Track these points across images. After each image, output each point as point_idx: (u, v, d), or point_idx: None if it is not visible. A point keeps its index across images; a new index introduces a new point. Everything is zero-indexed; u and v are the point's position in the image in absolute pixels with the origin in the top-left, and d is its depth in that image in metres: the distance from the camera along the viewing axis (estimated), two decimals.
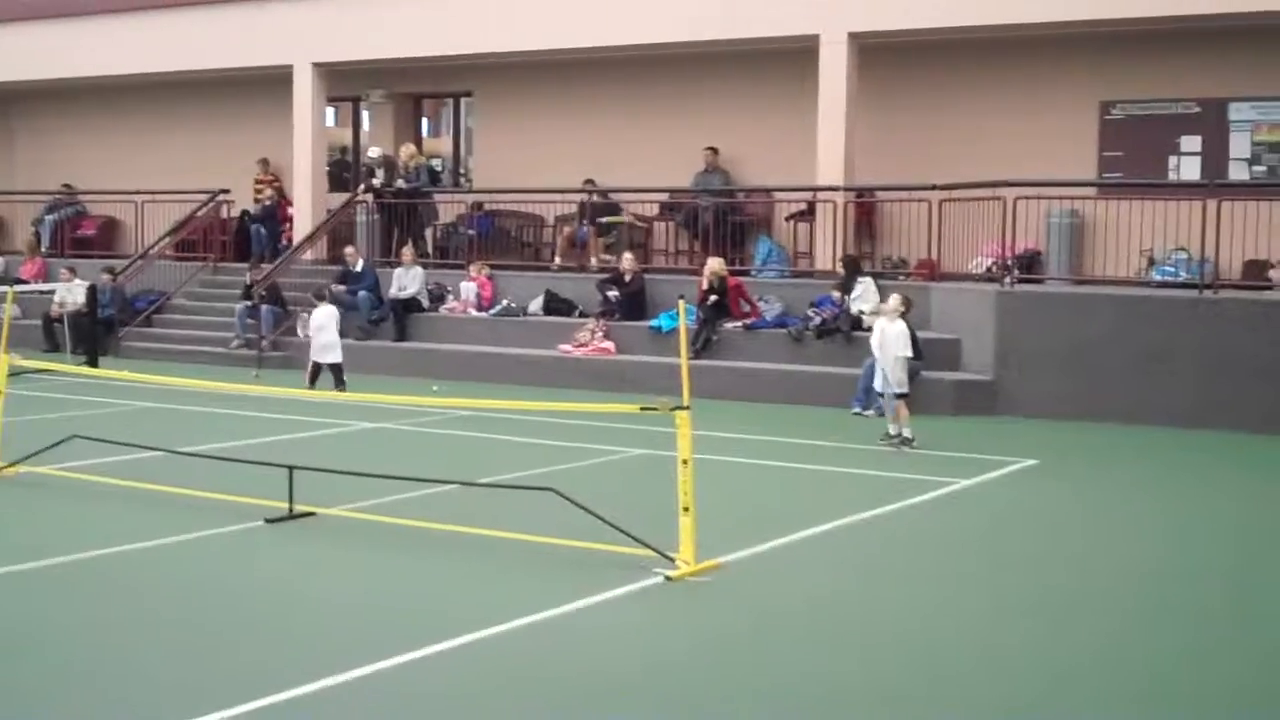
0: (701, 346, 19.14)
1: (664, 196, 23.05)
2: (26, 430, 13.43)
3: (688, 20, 21.56)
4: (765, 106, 22.68)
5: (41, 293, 24.49)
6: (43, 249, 27.70)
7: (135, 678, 7.06)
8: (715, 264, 20.03)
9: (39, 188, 29.80)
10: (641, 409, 9.87)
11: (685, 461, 9.02)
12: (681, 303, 10.39)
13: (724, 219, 21.59)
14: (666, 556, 9.10)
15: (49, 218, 28.79)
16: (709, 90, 23.28)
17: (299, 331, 21.67)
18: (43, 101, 30.91)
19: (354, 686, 6.87)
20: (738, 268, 20.92)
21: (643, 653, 7.65)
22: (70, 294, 23.57)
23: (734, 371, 18.88)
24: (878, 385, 14.76)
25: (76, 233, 28.62)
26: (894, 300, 15.02)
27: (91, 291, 22.71)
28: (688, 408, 9.10)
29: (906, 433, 14.45)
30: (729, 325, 19.65)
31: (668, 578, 8.89)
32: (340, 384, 17.75)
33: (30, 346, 22.08)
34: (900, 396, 14.54)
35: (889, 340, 14.57)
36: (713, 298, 19.60)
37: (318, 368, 18.17)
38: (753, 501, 12.14)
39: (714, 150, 22.59)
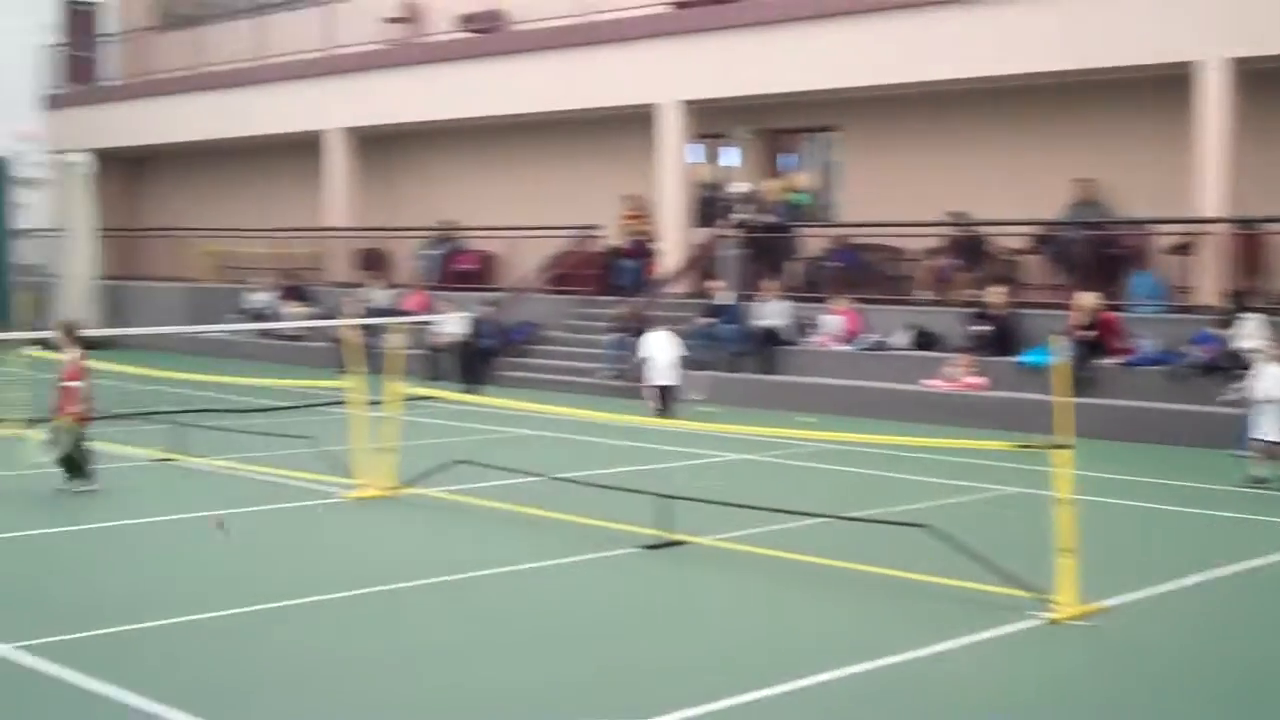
0: (1075, 384, 18.58)
1: (1034, 229, 22.52)
2: (415, 454, 14.09)
3: (1059, 50, 21.04)
4: (1140, 135, 21.91)
5: (425, 324, 25.66)
6: (426, 282, 29.02)
7: (495, 700, 7.29)
8: (1088, 298, 19.45)
9: (421, 224, 31.28)
10: (1019, 446, 9.67)
11: (1066, 501, 8.78)
12: (1057, 338, 10.13)
13: (1097, 252, 20.94)
14: (1044, 599, 8.87)
15: (431, 252, 30.18)
16: (1080, 120, 22.66)
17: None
18: (423, 142, 32.44)
19: (717, 717, 6.92)
20: (1112, 302, 20.26)
21: (1018, 695, 7.46)
22: (452, 325, 24.63)
23: (1108, 409, 18.25)
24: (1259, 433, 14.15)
25: (457, 266, 29.88)
26: (1266, 343, 14.51)
27: (472, 323, 23.66)
28: (1069, 446, 8.87)
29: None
30: (1103, 362, 19.04)
31: (1049, 620, 8.66)
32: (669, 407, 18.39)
33: (415, 375, 23.13)
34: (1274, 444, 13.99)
35: (1263, 383, 13.97)
36: (1086, 333, 19.04)
37: (659, 390, 19.02)
38: (1134, 544, 11.72)
39: (1086, 181, 21.97)
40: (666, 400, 20.19)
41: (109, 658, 7.73)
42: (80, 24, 39.14)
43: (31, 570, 10.04)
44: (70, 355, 13.06)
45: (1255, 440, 14.31)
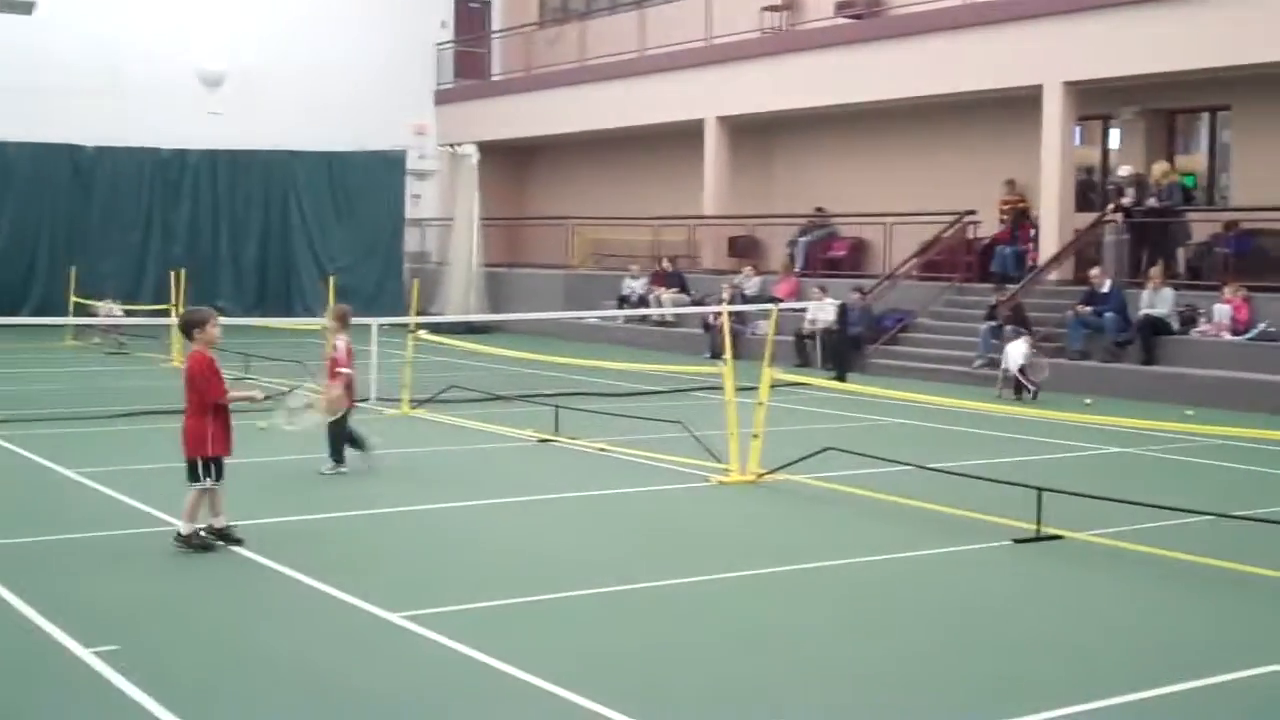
0: None
1: None
2: (783, 440, 14.14)
3: None
4: None
5: (795, 310, 25.72)
6: (796, 269, 29.09)
7: (867, 682, 7.23)
8: None
9: (794, 211, 31.38)
10: None
11: None
12: None
13: None
14: None
15: (803, 239, 30.23)
16: None
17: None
18: (797, 129, 32.52)
19: (1095, 717, 6.71)
20: None
21: None
22: (821, 312, 24.61)
23: None
24: None
25: (828, 253, 29.84)
26: None
27: (842, 310, 23.58)
28: None
29: None
30: None
31: None
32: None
33: (784, 361, 23.25)
34: None
35: None
36: None
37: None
38: None
39: None
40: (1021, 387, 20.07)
41: (491, 630, 8.02)
42: (471, 21, 40.85)
43: (415, 544, 10.52)
44: (341, 340, 13.26)
45: None
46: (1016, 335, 20.87)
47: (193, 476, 9.87)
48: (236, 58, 33.52)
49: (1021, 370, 20.12)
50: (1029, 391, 19.94)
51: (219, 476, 9.91)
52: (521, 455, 14.88)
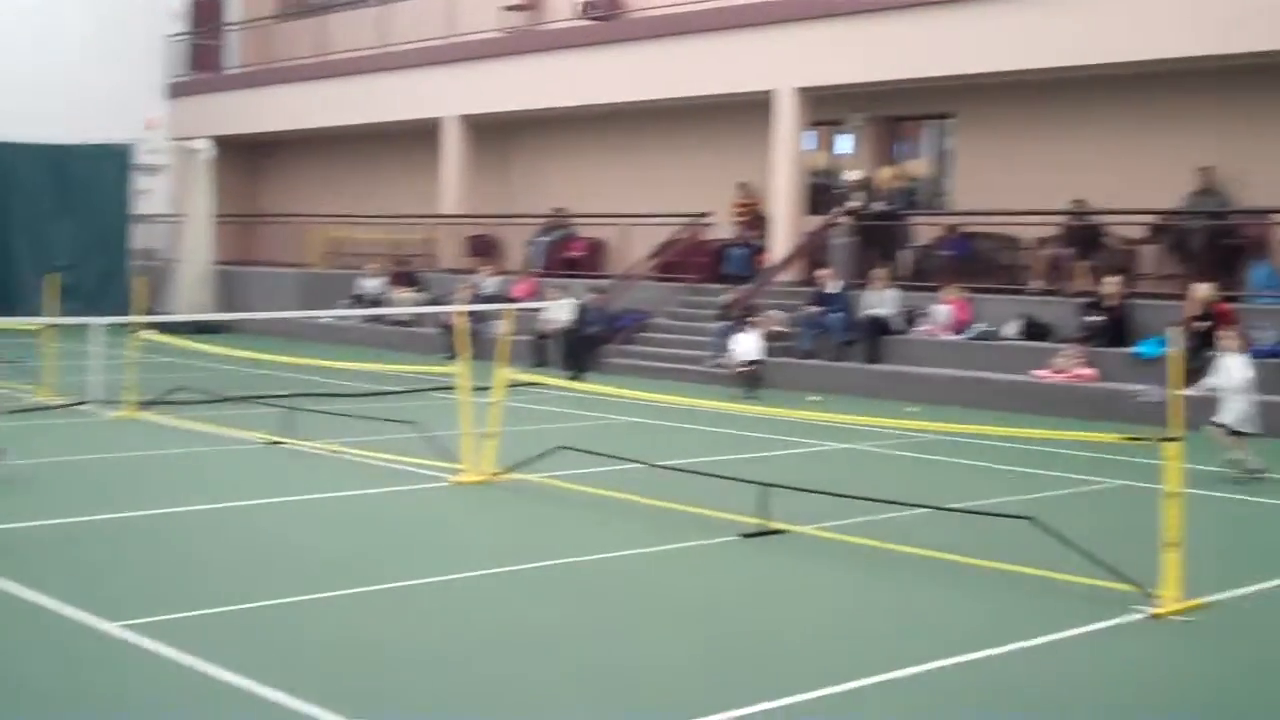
0: (1188, 375, 18.19)
1: (1152, 218, 22.11)
2: (519, 440, 14.15)
3: (1181, 35, 20.62)
4: (1262, 123, 21.45)
5: (532, 310, 25.77)
6: (535, 269, 29.15)
7: (604, 681, 7.29)
8: (1204, 289, 19.06)
9: (533, 211, 31.45)
10: (1127, 439, 9.50)
11: (1174, 495, 8.60)
12: (1172, 330, 9.91)
13: (1216, 242, 20.51)
14: (1148, 593, 8.70)
15: (541, 239, 30.31)
16: (1203, 107, 22.23)
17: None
18: (537, 130, 32.61)
19: (817, 705, 6.88)
20: (1229, 294, 19.84)
21: (1120, 690, 7.33)
22: (559, 312, 24.72)
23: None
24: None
25: (566, 253, 29.98)
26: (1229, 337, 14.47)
27: (579, 310, 23.72)
28: (1179, 439, 8.68)
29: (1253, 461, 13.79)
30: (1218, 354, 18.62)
31: (1152, 615, 8.49)
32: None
33: (522, 361, 23.26)
34: (1236, 434, 13.78)
35: (1226, 372, 13.93)
36: (1201, 324, 18.65)
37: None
38: (1243, 540, 11.48)
39: (1208, 169, 21.53)
40: (750, 381, 20.82)
41: (215, 638, 7.81)
42: (205, 12, 39.81)
43: (139, 551, 10.20)
44: None
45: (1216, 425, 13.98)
46: (742, 329, 21.43)
47: None
48: None
49: (752, 363, 20.72)
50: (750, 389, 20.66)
51: None
52: (251, 458, 14.56)
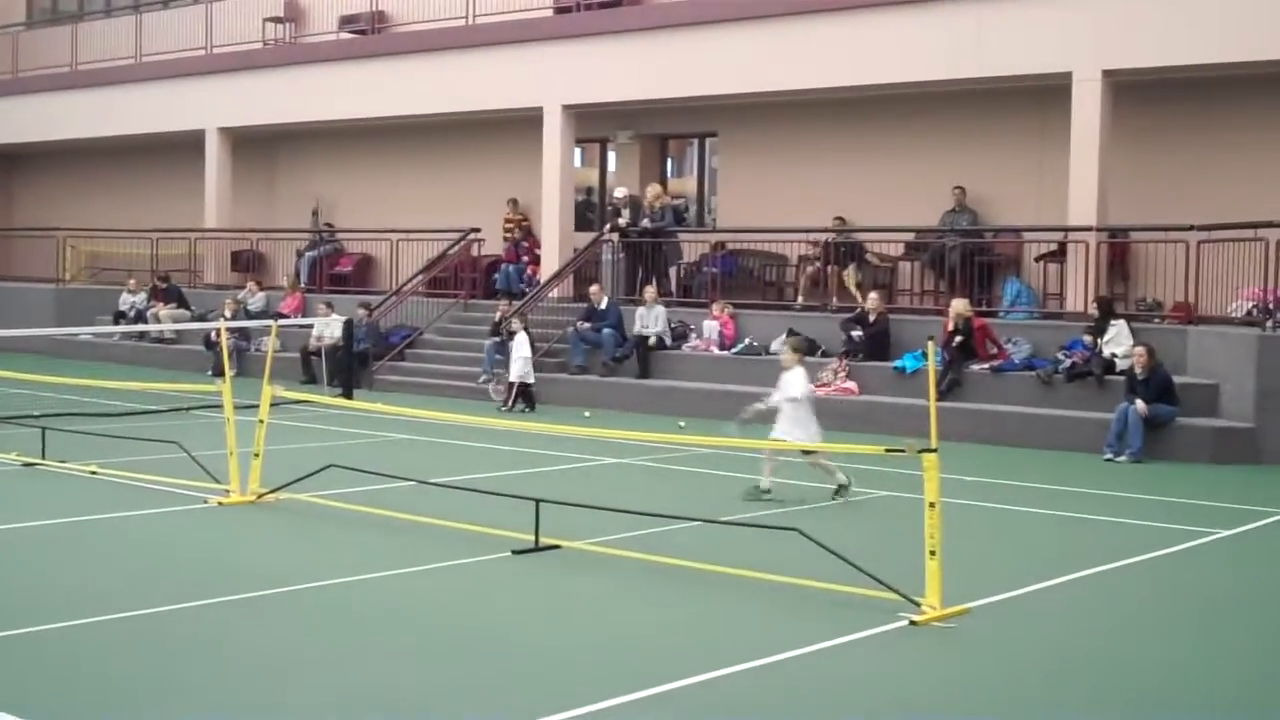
0: (947, 388, 18.84)
1: (909, 236, 22.82)
2: (286, 459, 13.91)
3: (934, 59, 21.34)
4: (1013, 144, 22.33)
5: (300, 327, 25.38)
6: (301, 285, 28.71)
7: (373, 704, 7.22)
8: (960, 304, 19.74)
9: (298, 226, 30.97)
10: (887, 450, 9.76)
11: (933, 505, 8.87)
12: (930, 343, 10.23)
13: (971, 259, 21.27)
14: (912, 601, 8.96)
15: (308, 254, 29.87)
16: (956, 128, 23.03)
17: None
18: (303, 144, 32.15)
19: None
20: (984, 309, 20.59)
21: (884, 697, 7.52)
22: (327, 328, 24.38)
23: (980, 414, 18.54)
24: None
25: (334, 269, 29.61)
26: (785, 347, 14.53)
27: (348, 326, 23.44)
28: (935, 450, 8.96)
29: (841, 478, 13.64)
30: (975, 367, 19.32)
31: (912, 622, 8.75)
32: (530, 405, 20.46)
33: (289, 378, 22.87)
34: (807, 453, 13.63)
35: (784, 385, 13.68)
36: (958, 339, 19.32)
37: (512, 388, 20.64)
38: (999, 547, 11.89)
39: (961, 189, 22.32)
40: (517, 398, 20.85)
41: None
42: None
43: None
44: None
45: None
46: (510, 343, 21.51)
47: None
48: None
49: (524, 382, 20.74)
50: (510, 404, 20.80)
51: None
52: (4, 480, 14.02)
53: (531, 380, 21.02)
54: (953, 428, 16.74)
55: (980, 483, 14.54)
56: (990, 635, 8.74)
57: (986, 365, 19.27)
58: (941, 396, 18.27)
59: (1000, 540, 12.23)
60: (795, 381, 13.61)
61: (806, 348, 14.82)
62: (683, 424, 18.77)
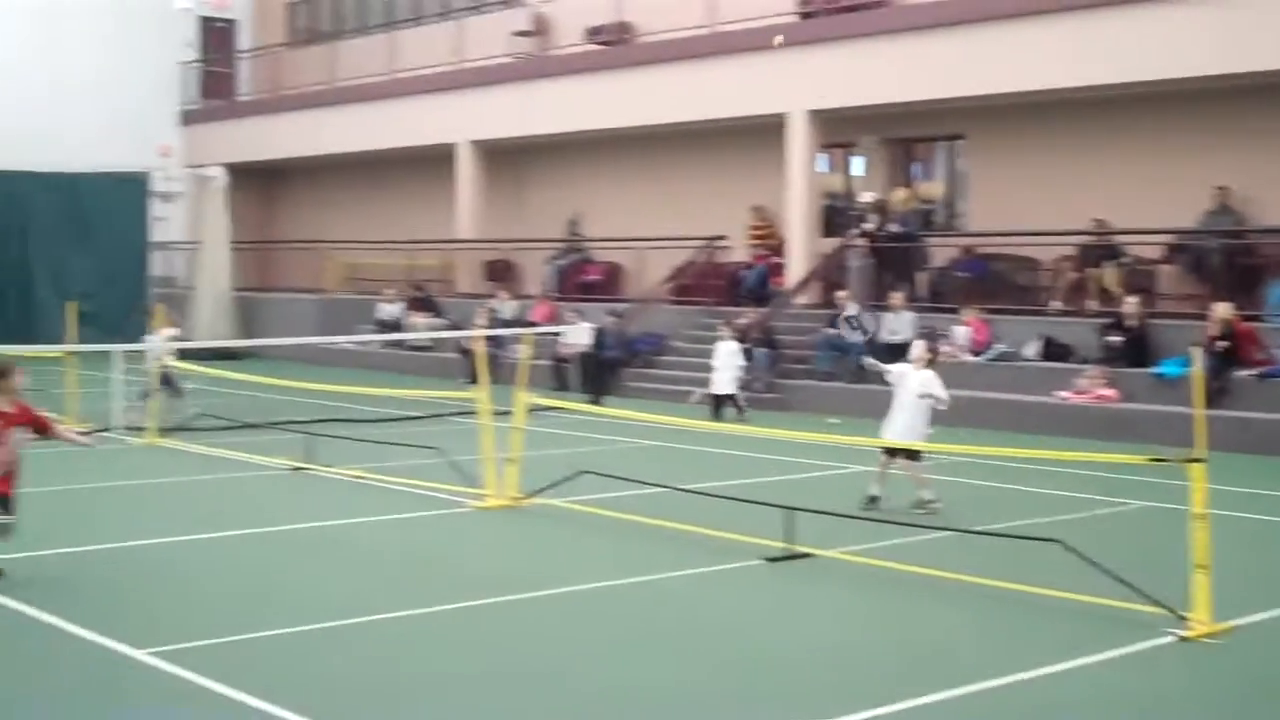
0: (1210, 396, 18.18)
1: (1169, 238, 22.09)
2: (539, 464, 14.16)
3: (1196, 54, 20.62)
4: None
5: (550, 335, 25.80)
6: (552, 293, 29.17)
7: (630, 707, 7.29)
8: (1224, 309, 19.04)
9: (548, 235, 31.50)
10: (1152, 460, 9.48)
11: (1201, 517, 8.58)
12: (1195, 349, 9.89)
13: (1234, 261, 20.49)
14: (1179, 616, 8.68)
15: (557, 263, 30.36)
16: (1218, 126, 22.22)
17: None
18: (551, 154, 32.68)
19: None
20: (1249, 313, 19.82)
21: (1155, 715, 7.31)
22: (577, 336, 24.74)
23: (1246, 422, 17.85)
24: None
25: (582, 278, 30.02)
26: (919, 347, 13.86)
27: (597, 334, 23.73)
28: (1203, 460, 8.67)
29: (928, 495, 13.06)
30: (1240, 374, 18.62)
31: (1181, 638, 8.47)
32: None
33: (540, 385, 23.25)
34: (911, 456, 13.20)
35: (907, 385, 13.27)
36: (1222, 344, 18.64)
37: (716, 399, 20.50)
38: (1271, 561, 11.43)
39: (1224, 189, 21.52)
40: (720, 408, 20.84)
41: (239, 664, 7.84)
42: (217, 41, 40.01)
43: (165, 578, 10.21)
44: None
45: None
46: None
47: None
48: None
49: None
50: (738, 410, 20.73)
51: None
52: (274, 484, 14.60)
53: (733, 391, 20.97)
54: (1218, 436, 16.13)
55: (1248, 494, 13.99)
56: (1264, 653, 8.42)
57: (1253, 371, 18.54)
58: (1206, 404, 17.66)
59: (1272, 554, 11.76)
60: (930, 383, 13.21)
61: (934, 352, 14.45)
62: (931, 431, 18.48)
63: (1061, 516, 12.82)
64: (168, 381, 18.40)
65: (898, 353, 21.75)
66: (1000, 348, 21.44)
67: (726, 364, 20.95)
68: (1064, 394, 19.79)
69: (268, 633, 8.53)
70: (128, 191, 34.20)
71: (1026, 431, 18.98)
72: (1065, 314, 21.91)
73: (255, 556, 11.00)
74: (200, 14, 38.93)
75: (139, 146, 35.86)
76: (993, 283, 23.70)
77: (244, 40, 40.53)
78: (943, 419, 19.49)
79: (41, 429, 10.03)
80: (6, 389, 9.82)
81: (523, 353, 14.49)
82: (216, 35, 40.15)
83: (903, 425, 13.20)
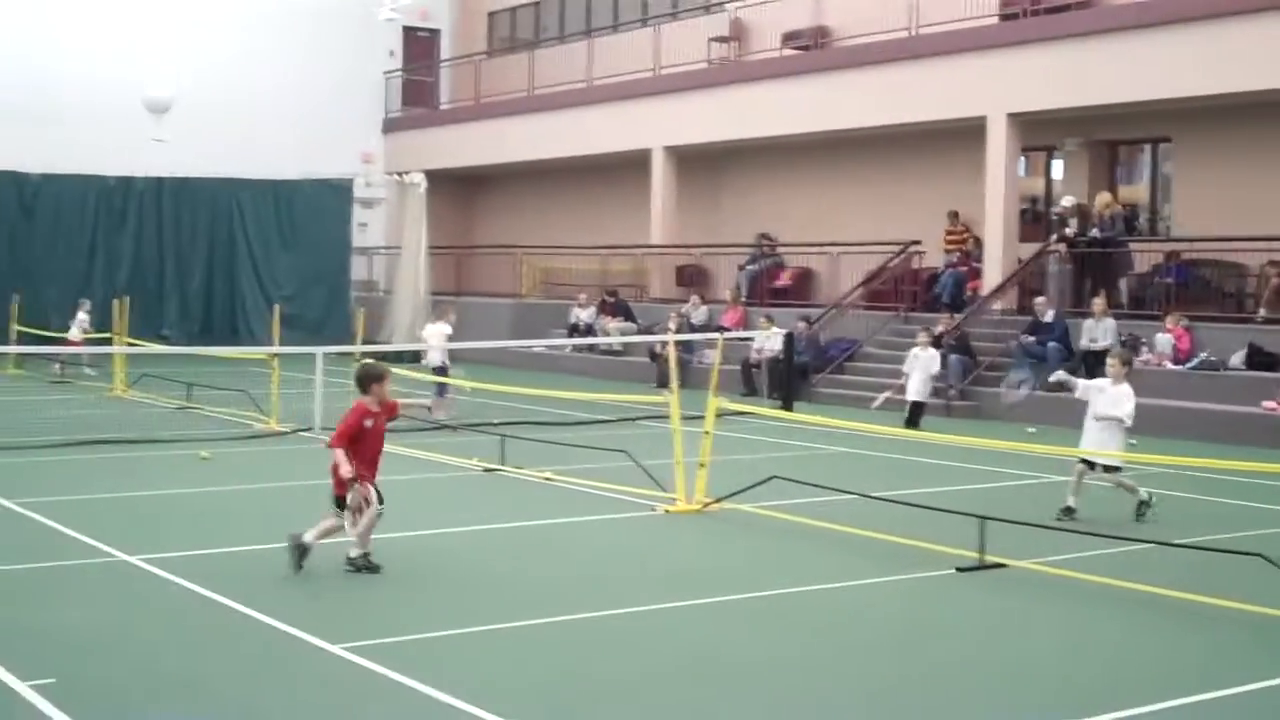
0: None
1: None
2: (729, 469, 14.15)
3: None
4: None
5: (741, 340, 25.79)
6: (743, 298, 29.16)
7: (820, 712, 7.23)
8: None
9: (741, 240, 31.49)
10: None
11: None
12: None
13: None
14: None
15: (749, 268, 30.33)
16: None
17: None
18: (745, 160, 32.67)
19: None
20: None
21: None
22: (768, 341, 24.68)
23: None
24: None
25: (774, 283, 29.94)
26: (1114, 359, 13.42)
27: (788, 339, 23.65)
28: None
29: (1143, 494, 12.85)
30: None
31: None
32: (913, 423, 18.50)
33: (730, 390, 23.26)
34: (1110, 469, 12.84)
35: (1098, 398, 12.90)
36: None
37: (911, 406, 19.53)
38: None
39: None
40: (916, 417, 20.13)
41: (434, 661, 7.98)
42: (420, 50, 40.84)
43: (361, 576, 10.43)
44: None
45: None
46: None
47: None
48: (183, 84, 33.34)
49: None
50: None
51: (343, 508, 10.08)
52: (467, 484, 14.84)
53: (925, 399, 20.48)
54: None
55: None
56: None
57: None
58: None
59: None
60: (1122, 400, 12.85)
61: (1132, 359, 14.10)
62: (1133, 442, 18.05)
63: (1266, 530, 12.40)
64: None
65: (1099, 360, 21.37)
66: (1204, 356, 20.82)
67: (921, 372, 20.52)
68: (1270, 404, 19.14)
69: (467, 630, 8.67)
70: (332, 197, 35.19)
71: (1230, 442, 18.40)
72: (1272, 321, 21.18)
73: (451, 555, 11.18)
74: (404, 24, 39.77)
75: (343, 153, 36.84)
76: (1197, 289, 23.05)
77: (446, 49, 41.31)
78: (1147, 429, 19.06)
79: (394, 414, 10.61)
80: (380, 392, 10.32)
81: (714, 357, 14.49)
82: (419, 45, 41.00)
83: (1095, 439, 12.89)
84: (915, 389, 20.43)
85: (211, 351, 27.68)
